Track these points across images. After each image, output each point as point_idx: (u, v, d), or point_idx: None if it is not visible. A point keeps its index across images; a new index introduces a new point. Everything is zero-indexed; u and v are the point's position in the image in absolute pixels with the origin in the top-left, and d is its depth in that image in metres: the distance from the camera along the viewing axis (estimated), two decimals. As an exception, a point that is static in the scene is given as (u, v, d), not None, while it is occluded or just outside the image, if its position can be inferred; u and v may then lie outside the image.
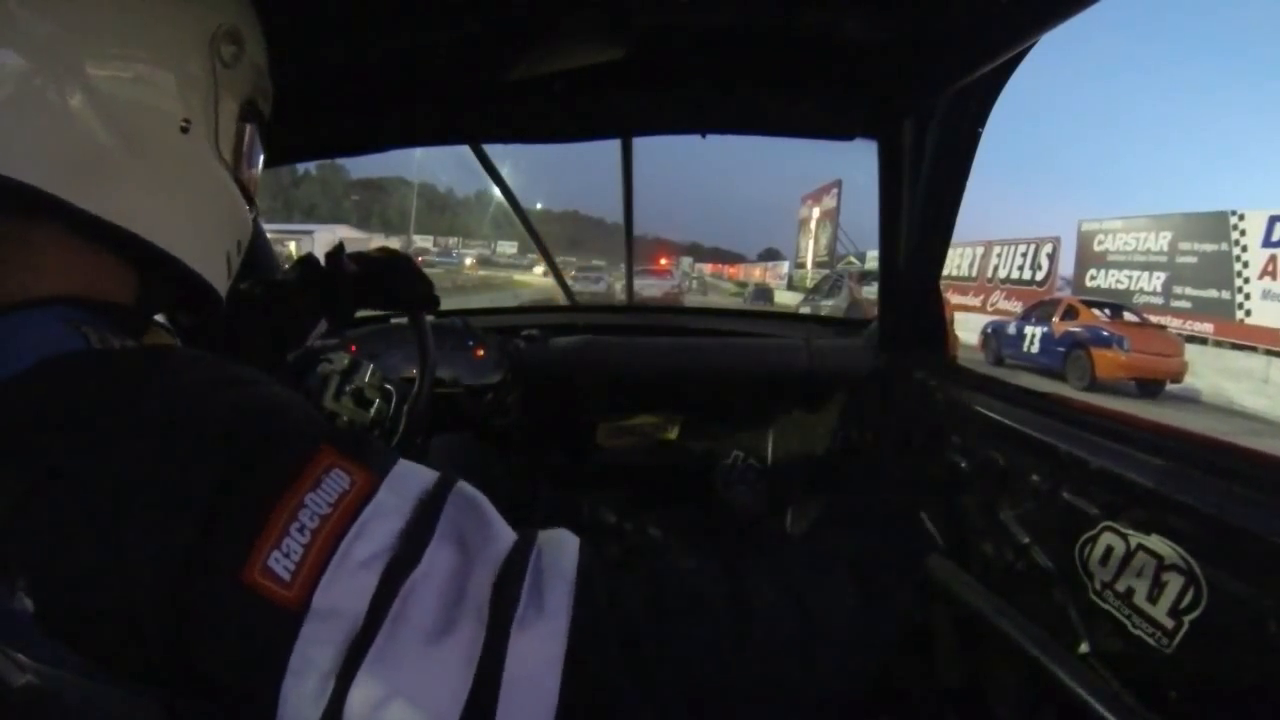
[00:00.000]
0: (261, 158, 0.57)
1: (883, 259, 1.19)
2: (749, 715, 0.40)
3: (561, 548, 0.38)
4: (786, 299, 23.21)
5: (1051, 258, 15.97)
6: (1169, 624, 0.61)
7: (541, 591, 0.34)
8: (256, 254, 1.28)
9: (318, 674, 0.30)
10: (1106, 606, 0.69)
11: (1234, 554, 0.57)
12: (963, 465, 1.01)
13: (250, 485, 0.32)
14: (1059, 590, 0.76)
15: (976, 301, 17.62)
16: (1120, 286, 14.67)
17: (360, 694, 0.30)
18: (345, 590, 0.31)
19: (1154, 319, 11.90)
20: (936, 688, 1.00)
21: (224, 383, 0.37)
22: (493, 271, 35.14)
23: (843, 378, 1.40)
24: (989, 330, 12.76)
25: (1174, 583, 0.61)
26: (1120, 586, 0.68)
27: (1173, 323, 12.61)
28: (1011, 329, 11.91)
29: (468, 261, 40.18)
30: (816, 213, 27.33)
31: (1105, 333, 9.97)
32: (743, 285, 35.23)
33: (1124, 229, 14.98)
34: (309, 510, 0.32)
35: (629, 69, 0.98)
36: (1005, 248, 17.39)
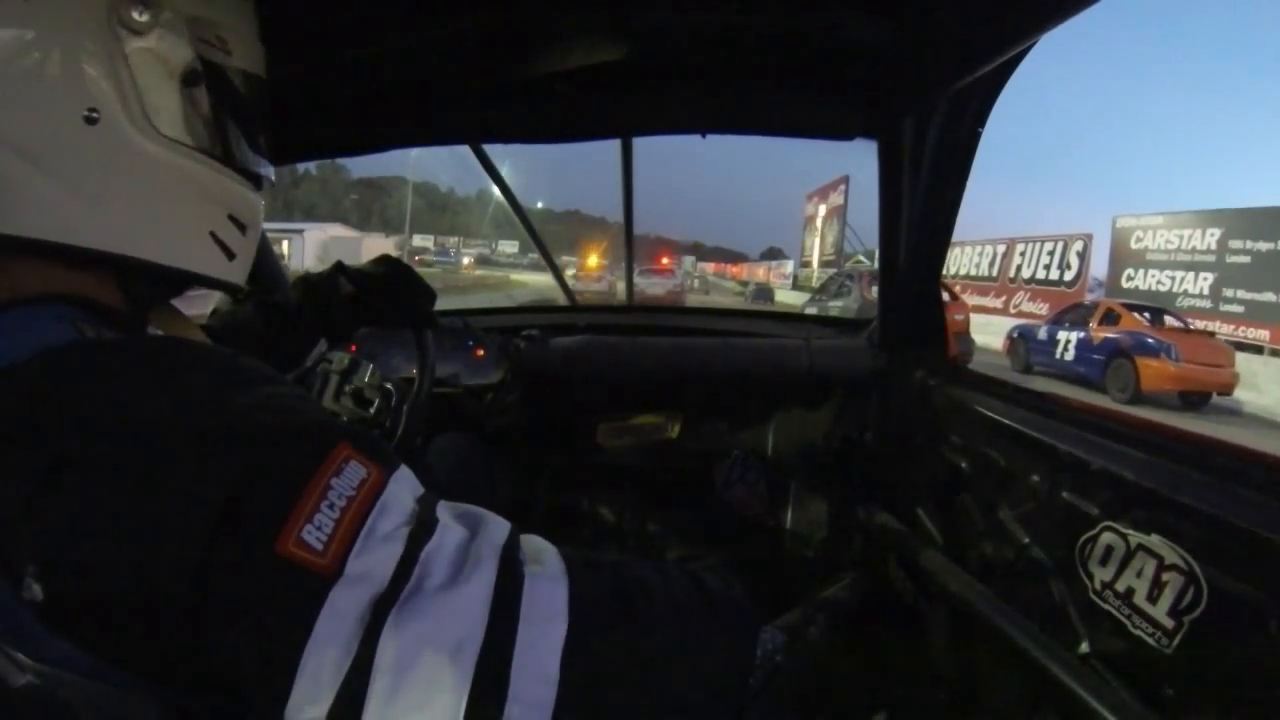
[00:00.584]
0: (249, 110, 0.51)
1: (883, 259, 1.19)
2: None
3: (537, 539, 0.42)
4: (792, 299, 22.97)
5: (1083, 256, 14.66)
6: (1169, 624, 0.61)
7: (539, 558, 0.39)
8: (262, 266, 1.29)
9: (344, 635, 0.32)
10: (1106, 606, 0.69)
11: (1234, 554, 0.57)
12: (963, 465, 1.01)
13: (280, 470, 0.34)
14: (1059, 590, 0.76)
15: (998, 303, 16.41)
16: (1162, 288, 13.29)
17: (390, 644, 0.32)
18: (374, 558, 0.34)
19: (1200, 324, 10.90)
20: (935, 687, 1.00)
21: (245, 379, 0.38)
22: (488, 271, 35.19)
23: (843, 378, 1.40)
24: (1016, 334, 11.71)
25: (1174, 583, 0.61)
26: (1120, 586, 0.68)
27: (1223, 329, 11.39)
28: (1042, 334, 10.87)
29: (465, 261, 40.23)
30: (823, 210, 26.83)
31: (1151, 340, 8.94)
32: (746, 284, 35.39)
33: (1165, 225, 13.60)
34: (336, 491, 0.34)
35: (629, 69, 0.98)
36: (1030, 245, 16.01)
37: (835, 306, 12.35)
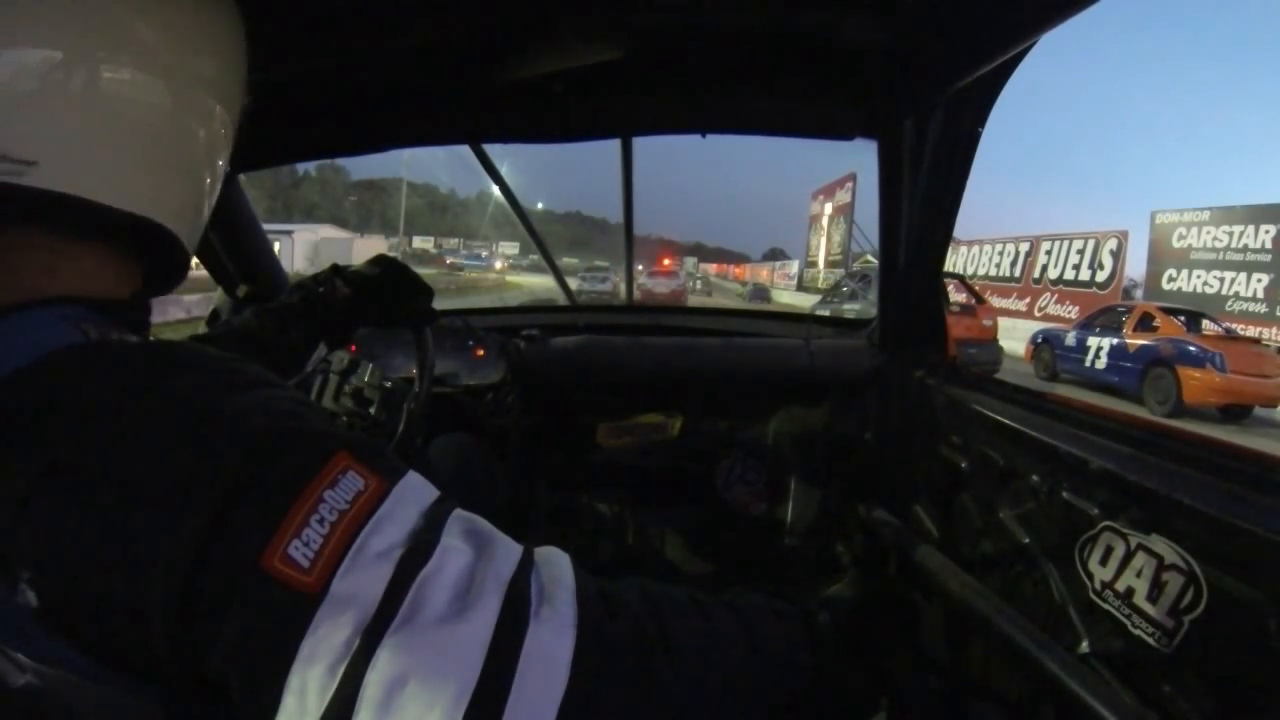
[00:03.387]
0: None
1: (883, 259, 1.19)
2: (744, 707, 0.43)
3: (557, 562, 0.40)
4: (798, 300, 22.76)
5: (1117, 255, 13.50)
6: (1169, 624, 0.61)
7: (550, 596, 0.36)
8: (262, 266, 1.29)
9: (328, 661, 0.30)
10: (1106, 606, 0.69)
11: (1234, 554, 0.57)
12: (962, 465, 1.01)
13: (271, 479, 0.33)
14: (1059, 590, 0.76)
15: (1021, 305, 15.32)
16: (1209, 290, 12.23)
17: (376, 676, 0.30)
18: (362, 578, 0.32)
19: (1254, 330, 9.98)
20: (935, 687, 1.00)
21: (241, 382, 0.38)
22: (481, 273, 35.25)
23: (843, 377, 1.40)
24: (1040, 339, 10.70)
25: (1174, 583, 0.61)
26: (1120, 586, 0.67)
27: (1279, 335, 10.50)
28: (1070, 339, 9.94)
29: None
30: (829, 209, 26.20)
31: (1194, 348, 8.05)
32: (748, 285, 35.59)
33: (1212, 221, 12.48)
34: (328, 505, 0.33)
35: (629, 69, 0.98)
36: (1057, 243, 14.86)
37: (851, 309, 11.47)
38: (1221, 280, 12.26)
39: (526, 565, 0.37)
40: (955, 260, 17.04)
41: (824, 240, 26.80)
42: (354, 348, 1.18)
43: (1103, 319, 9.87)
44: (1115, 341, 9.14)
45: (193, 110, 0.48)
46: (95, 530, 0.32)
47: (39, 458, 0.33)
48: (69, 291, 0.41)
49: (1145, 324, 9.04)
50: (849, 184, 24.93)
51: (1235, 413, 8.18)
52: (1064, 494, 0.78)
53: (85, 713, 0.34)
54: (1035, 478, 0.83)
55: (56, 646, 0.33)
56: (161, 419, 0.34)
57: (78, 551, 0.32)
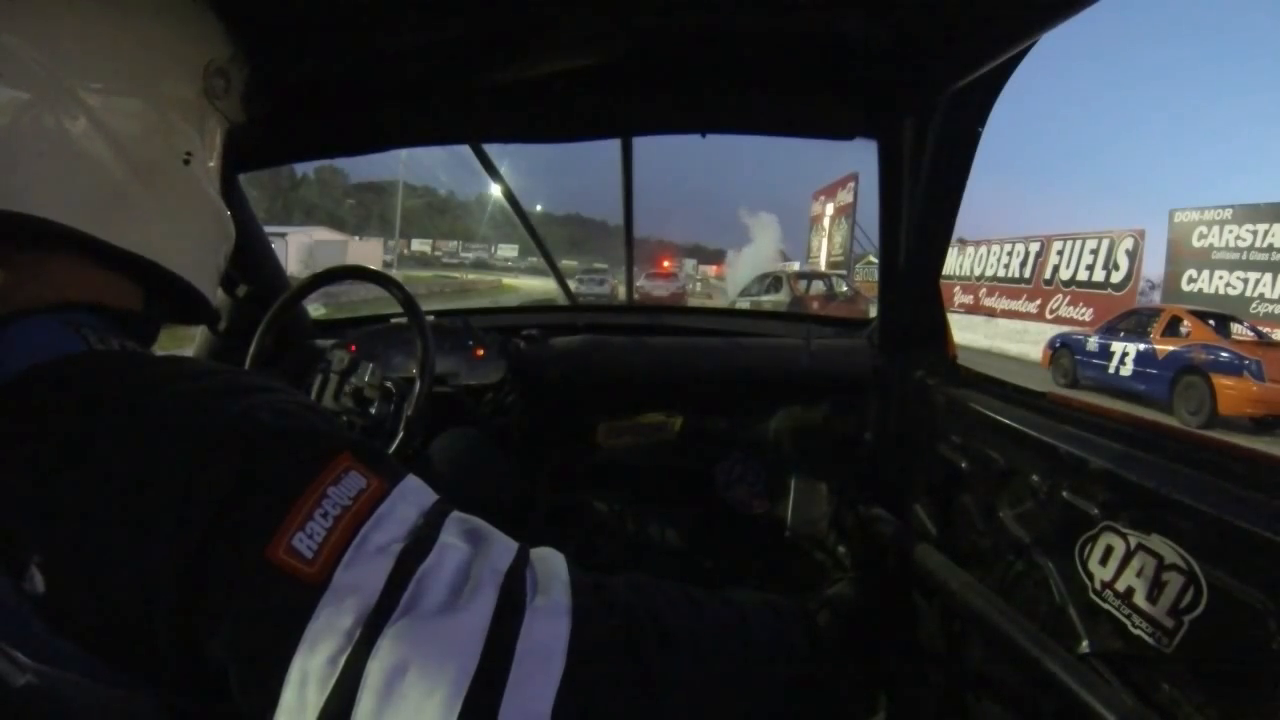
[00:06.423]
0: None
1: (883, 259, 1.19)
2: (737, 698, 0.45)
3: (552, 558, 0.41)
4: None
5: (1133, 255, 12.98)
6: (1169, 624, 0.61)
7: (546, 587, 0.37)
8: (262, 264, 1.29)
9: (329, 651, 0.31)
10: (1106, 606, 0.69)
11: (1234, 554, 0.57)
12: (962, 464, 1.01)
13: (276, 475, 0.34)
14: (1059, 590, 0.76)
15: (1032, 307, 14.89)
16: (1232, 291, 11.76)
17: (378, 665, 0.31)
18: (364, 570, 0.33)
19: (1278, 335, 9.44)
20: (934, 687, 1.00)
21: (248, 387, 0.39)
22: (479, 275, 35.30)
23: (843, 377, 1.40)
24: (1059, 344, 10.26)
25: (1174, 583, 0.61)
26: (1120, 586, 0.67)
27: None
28: (1092, 344, 9.45)
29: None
30: (830, 209, 25.57)
31: (1227, 354, 7.55)
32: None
33: (1235, 220, 11.98)
34: (331, 500, 0.34)
35: (629, 69, 0.98)
36: (1069, 243, 14.36)
37: (770, 300, 13.20)
38: (1245, 281, 11.75)
39: (522, 559, 0.38)
40: (962, 261, 16.86)
41: (825, 241, 26.48)
42: (354, 348, 1.18)
43: (1127, 323, 9.38)
44: (1142, 347, 8.66)
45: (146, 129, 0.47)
46: (106, 518, 0.33)
47: (51, 451, 0.34)
48: (78, 299, 0.43)
49: (1174, 328, 8.53)
50: (850, 184, 24.71)
51: (1268, 423, 7.52)
52: (1064, 494, 0.78)
53: (85, 713, 0.35)
54: (1035, 477, 0.83)
55: (59, 644, 0.33)
56: (171, 416, 0.35)
57: (89, 538, 0.33)
